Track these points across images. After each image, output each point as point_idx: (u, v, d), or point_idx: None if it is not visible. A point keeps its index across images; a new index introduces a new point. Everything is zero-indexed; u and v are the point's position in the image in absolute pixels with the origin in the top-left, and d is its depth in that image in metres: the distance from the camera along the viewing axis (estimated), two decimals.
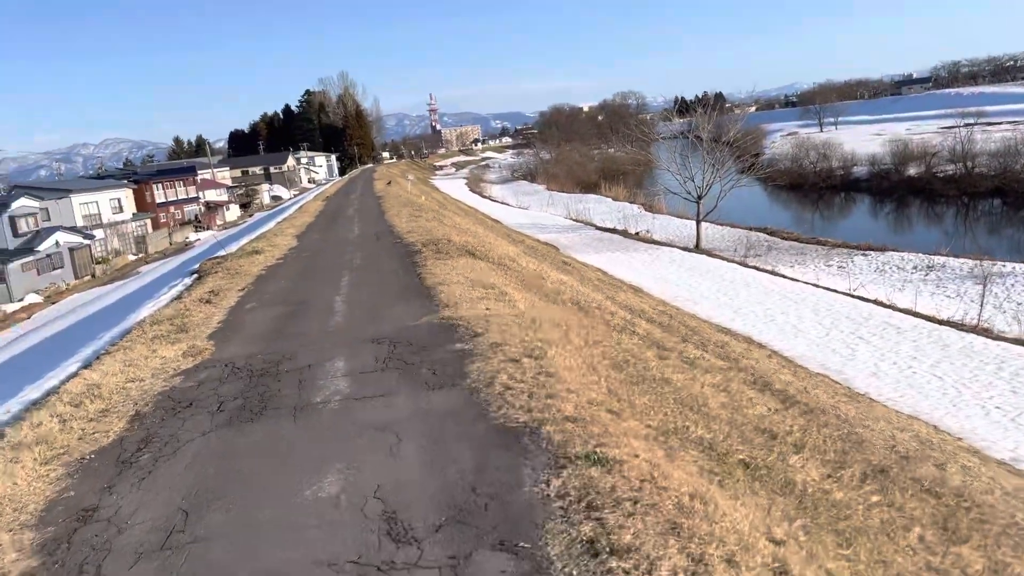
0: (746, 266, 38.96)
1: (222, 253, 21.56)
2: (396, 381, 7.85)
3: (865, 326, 26.12)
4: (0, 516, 5.66)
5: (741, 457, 6.33)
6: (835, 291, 32.27)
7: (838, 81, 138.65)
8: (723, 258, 42.15)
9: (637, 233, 52.93)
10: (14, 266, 48.34)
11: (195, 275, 19.00)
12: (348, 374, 8.35)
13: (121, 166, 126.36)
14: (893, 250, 40.65)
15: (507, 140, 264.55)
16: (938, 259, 37.03)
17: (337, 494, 5.36)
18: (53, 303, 47.90)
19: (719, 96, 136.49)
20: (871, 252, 40.91)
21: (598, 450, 5.43)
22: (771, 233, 49.61)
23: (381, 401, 7.28)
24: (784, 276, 36.02)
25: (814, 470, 6.80)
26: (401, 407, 7.04)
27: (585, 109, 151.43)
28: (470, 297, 11.53)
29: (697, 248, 46.74)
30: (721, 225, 52.86)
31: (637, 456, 5.35)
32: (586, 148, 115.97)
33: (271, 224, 31.88)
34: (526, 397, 6.76)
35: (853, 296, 30.99)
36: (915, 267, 37.12)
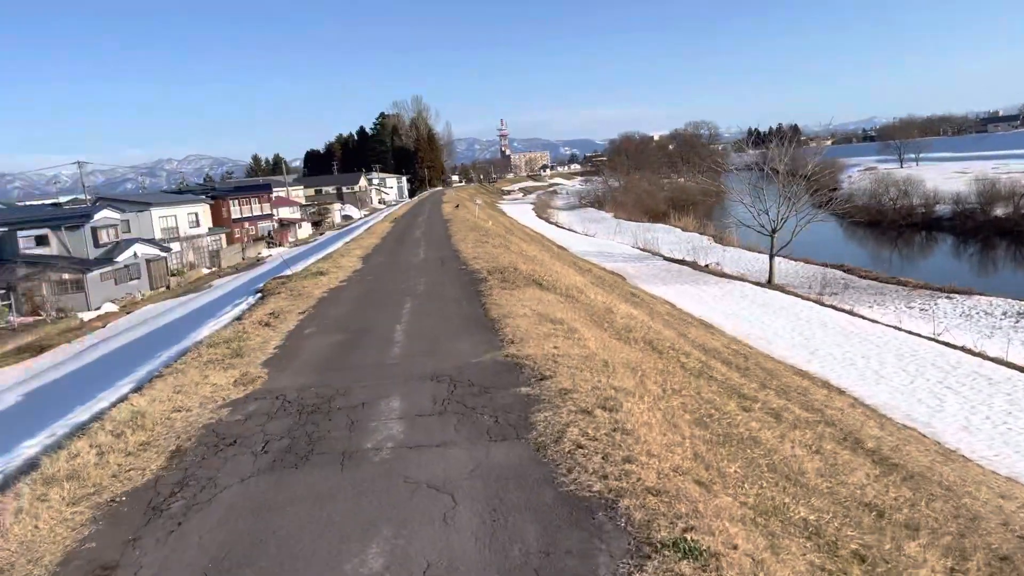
0: (822, 304, 37.29)
1: (288, 272, 21.29)
2: (454, 428, 7.09)
3: (953, 375, 24.42)
4: (13, 569, 5.07)
5: (853, 547, 5.35)
6: (918, 335, 30.49)
7: (920, 116, 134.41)
8: (798, 295, 40.49)
9: (707, 265, 51.54)
10: (93, 276, 49.59)
11: (259, 294, 18.71)
12: (403, 416, 7.62)
13: (201, 181, 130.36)
14: (980, 294, 38.40)
15: (575, 167, 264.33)
16: None
17: (381, 572, 4.60)
18: (128, 313, 48.91)
19: (795, 129, 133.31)
20: (956, 295, 38.73)
21: (688, 536, 4.55)
22: (848, 271, 47.61)
23: (437, 452, 6.51)
24: (863, 317, 34.29)
25: (936, 561, 5.78)
26: (459, 461, 6.26)
27: (656, 138, 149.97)
28: (537, 333, 10.74)
29: (770, 283, 45.13)
30: (795, 260, 51.05)
31: (736, 547, 4.46)
32: (655, 177, 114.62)
33: (339, 244, 31.77)
34: (600, 459, 5.91)
35: (938, 342, 29.17)
36: (1004, 313, 34.91)
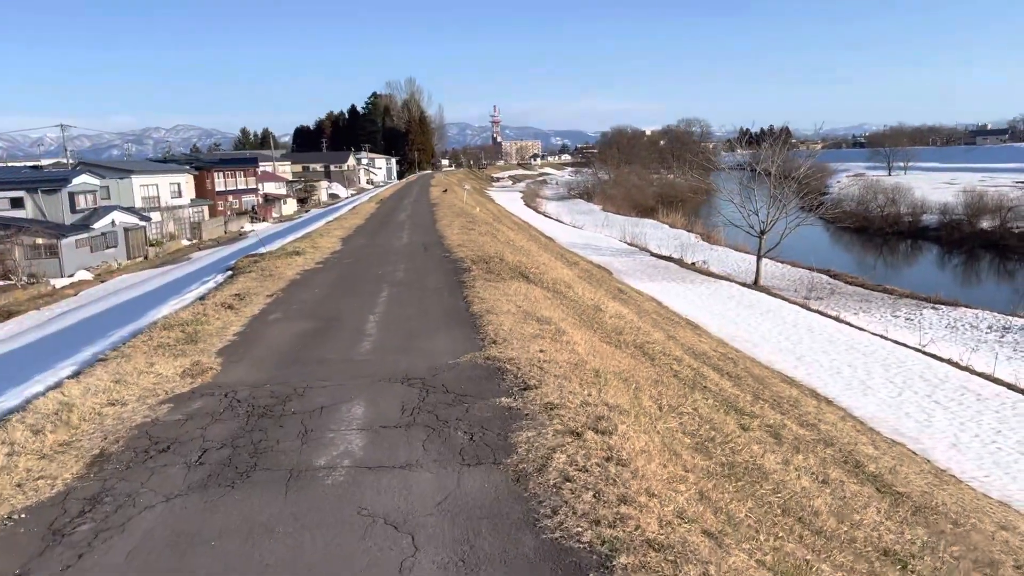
0: (808, 309, 36.62)
1: (263, 251, 20.17)
2: (423, 446, 6.09)
3: (941, 389, 23.76)
4: None
5: None
6: (905, 345, 29.85)
7: (910, 125, 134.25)
8: (784, 298, 39.81)
9: (694, 263, 50.77)
10: (68, 242, 48.06)
11: (230, 272, 17.61)
12: (365, 427, 6.60)
13: (188, 151, 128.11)
14: (965, 306, 37.88)
15: (566, 157, 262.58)
16: (1017, 320, 34.29)
17: None
18: (102, 282, 47.48)
19: (785, 131, 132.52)
20: (941, 306, 38.18)
21: None
22: (834, 276, 46.99)
23: (400, 476, 5.51)
24: (850, 324, 33.60)
25: None
26: (424, 490, 5.27)
27: (648, 133, 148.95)
28: (522, 333, 9.75)
29: (756, 285, 44.45)
30: (782, 263, 50.38)
31: None
32: (645, 172, 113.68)
33: (320, 223, 30.60)
34: (591, 497, 4.95)
35: (925, 353, 28.53)
36: (990, 327, 34.36)
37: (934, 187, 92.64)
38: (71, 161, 73.00)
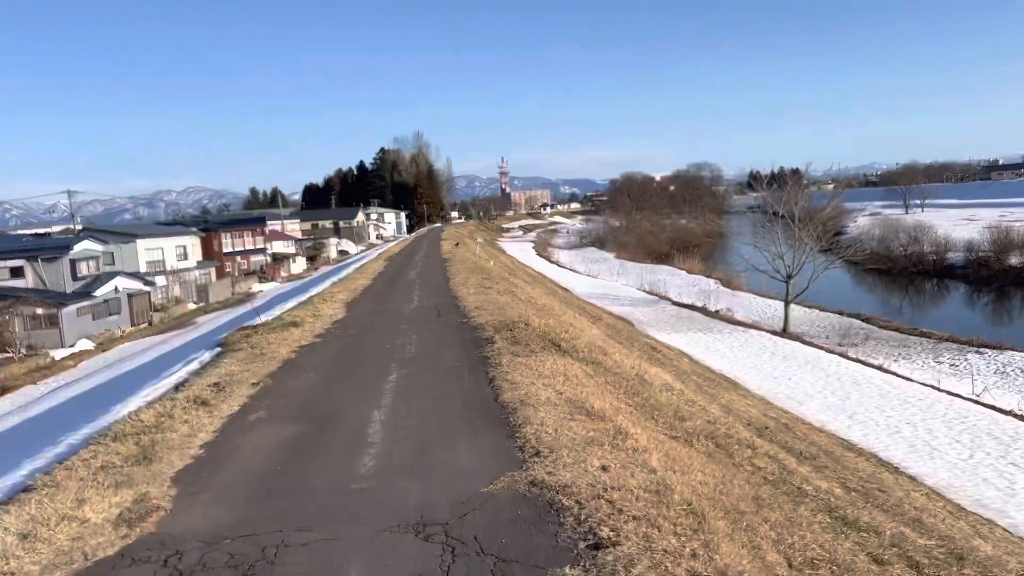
0: (847, 358, 34.04)
1: (258, 321, 17.91)
2: None
3: (1016, 448, 21.14)
4: None
5: None
6: (960, 396, 27.23)
7: (922, 163, 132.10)
8: (818, 346, 37.29)
9: (717, 311, 48.37)
10: (69, 310, 46.12)
11: (218, 348, 15.34)
12: None
13: (198, 213, 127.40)
14: (1012, 349, 35.26)
15: (575, 205, 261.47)
16: None
17: None
18: (104, 351, 45.42)
19: (796, 172, 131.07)
20: (986, 350, 35.56)
21: None
22: (866, 320, 44.44)
23: None
24: (895, 374, 31.00)
25: None
26: None
27: (658, 178, 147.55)
28: (572, 437, 7.38)
29: (785, 332, 42.00)
30: (808, 307, 47.90)
31: None
32: (657, 217, 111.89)
33: (326, 284, 28.41)
34: None
35: (983, 405, 25.91)
36: None
37: (954, 224, 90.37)
38: (80, 226, 71.76)
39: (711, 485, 6.97)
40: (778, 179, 70.98)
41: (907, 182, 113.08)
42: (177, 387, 12.20)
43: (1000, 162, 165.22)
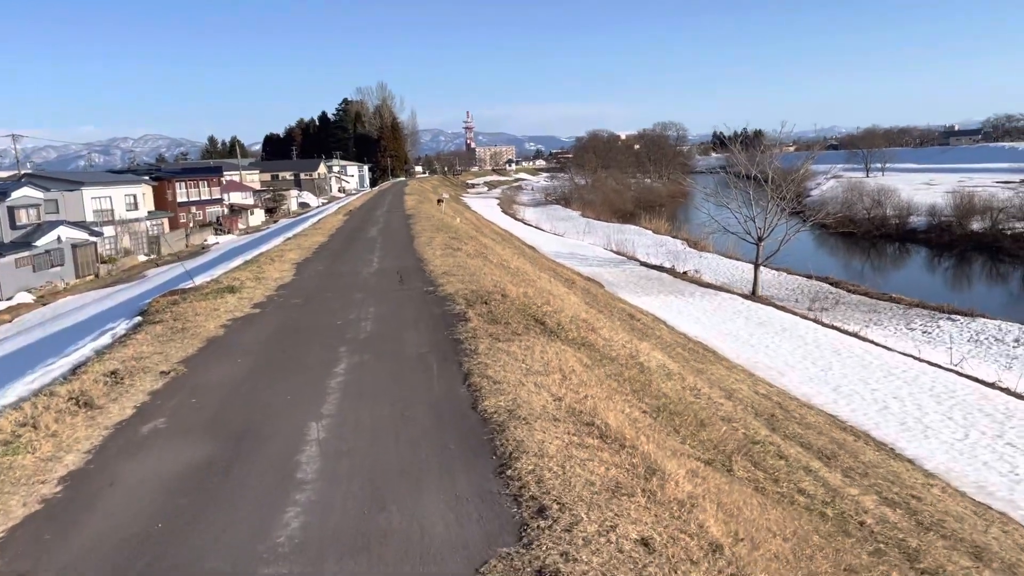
0: (821, 324, 32.40)
1: (191, 284, 15.16)
2: None
3: (1011, 427, 19.59)
4: None
5: None
6: (939, 366, 25.74)
7: (882, 127, 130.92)
8: (792, 311, 35.61)
9: (685, 273, 46.52)
10: (6, 261, 42.43)
11: (138, 319, 12.66)
12: None
13: (154, 161, 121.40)
14: (983, 316, 34.02)
15: (540, 163, 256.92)
16: None
17: None
18: (45, 304, 42.00)
19: (758, 133, 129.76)
20: (957, 316, 34.25)
21: None
22: (835, 284, 43.00)
23: None
24: (873, 342, 29.41)
25: None
26: None
27: (623, 137, 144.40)
28: (587, 480, 5.04)
29: (754, 295, 40.33)
30: (776, 270, 46.32)
31: None
32: (623, 176, 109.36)
33: (277, 240, 25.55)
34: None
35: (967, 377, 24.43)
36: (1017, 340, 30.49)
37: (915, 188, 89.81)
38: (28, 172, 66.82)
39: (789, 555, 4.70)
40: (745, 140, 68.90)
41: (868, 146, 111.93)
42: (75, 369, 9.60)
43: (956, 128, 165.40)
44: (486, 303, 11.91)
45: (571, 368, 8.23)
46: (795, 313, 35.67)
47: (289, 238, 25.60)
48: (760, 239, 43.73)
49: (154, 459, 6.01)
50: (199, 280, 16.18)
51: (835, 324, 33.09)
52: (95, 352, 10.81)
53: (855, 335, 30.95)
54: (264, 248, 22.70)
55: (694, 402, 9.68)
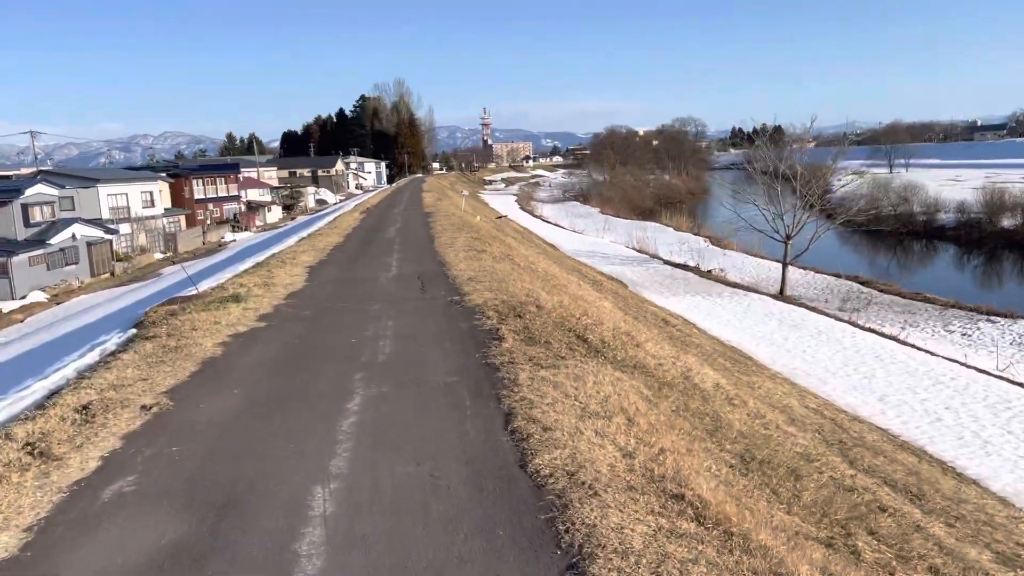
0: (858, 327, 30.61)
1: (195, 291, 13.73)
2: None
3: None
4: None
5: None
6: (988, 373, 23.99)
7: (905, 122, 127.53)
8: (826, 313, 33.87)
9: (710, 271, 44.80)
10: (20, 259, 41.35)
11: (132, 331, 11.24)
12: None
13: (173, 158, 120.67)
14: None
15: (557, 159, 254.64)
16: None
17: None
18: (59, 303, 40.92)
19: (778, 129, 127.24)
20: (997, 318, 32.35)
21: None
22: (864, 283, 41.05)
23: None
24: (916, 347, 27.62)
25: None
26: None
27: (641, 133, 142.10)
28: None
29: (782, 295, 38.61)
30: (803, 269, 44.43)
31: None
32: (641, 172, 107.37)
33: (291, 240, 24.14)
34: None
35: (1021, 385, 22.67)
36: None
37: (940, 184, 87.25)
38: (49, 168, 66.05)
39: None
40: (769, 135, 66.95)
41: (891, 141, 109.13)
42: (49, 396, 8.19)
43: (978, 123, 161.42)
44: (520, 316, 10.39)
45: (634, 406, 6.68)
46: (827, 314, 33.97)
47: (303, 238, 24.17)
48: (788, 237, 42.03)
49: (110, 542, 4.53)
50: (205, 285, 14.77)
51: (872, 327, 31.32)
52: (77, 373, 9.40)
53: (895, 338, 29.20)
54: (277, 249, 21.31)
55: (770, 437, 8.14)
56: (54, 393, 8.42)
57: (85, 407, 7.08)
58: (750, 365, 21.40)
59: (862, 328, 30.62)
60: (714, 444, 6.61)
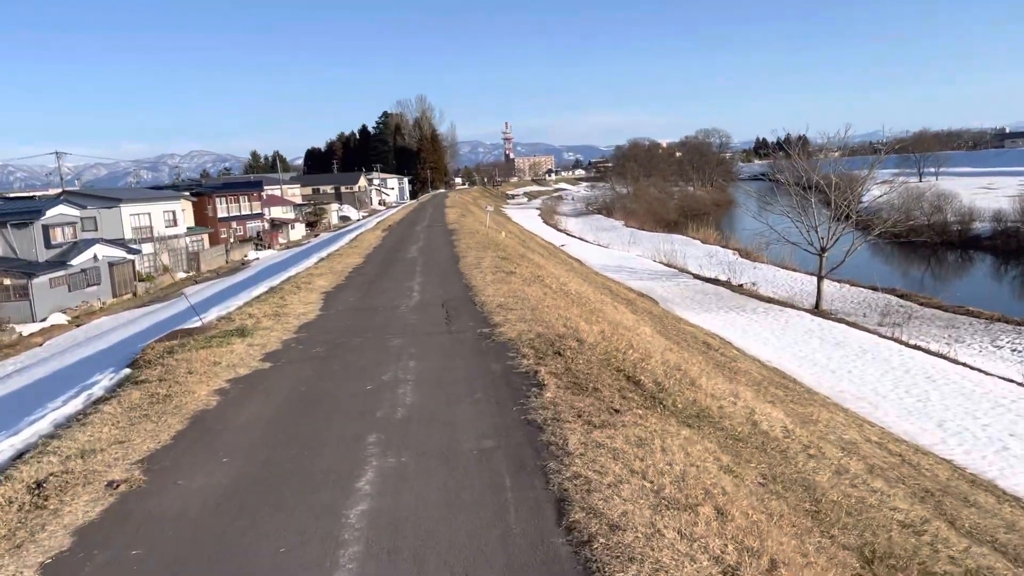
0: (903, 343, 28.76)
1: (199, 323, 12.44)
2: None
3: None
4: None
5: None
6: None
7: (932, 130, 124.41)
8: (864, 328, 32.03)
9: (741, 286, 43.10)
10: (40, 281, 40.63)
11: (126, 371, 9.95)
12: None
13: (198, 177, 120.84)
14: None
15: (580, 172, 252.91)
16: None
17: None
18: (79, 325, 40.09)
19: (803, 139, 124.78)
20: None
21: None
22: (903, 296, 39.03)
23: None
24: (969, 366, 25.76)
25: None
26: None
27: (664, 144, 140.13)
28: None
29: (817, 309, 36.84)
30: (838, 282, 42.48)
31: None
32: (665, 184, 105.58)
33: (311, 261, 22.89)
34: None
35: None
36: None
37: (973, 193, 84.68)
38: (74, 189, 65.76)
39: None
40: (794, 145, 65.21)
41: (920, 149, 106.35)
42: (16, 459, 6.88)
43: (1007, 130, 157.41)
44: (559, 353, 8.95)
45: (718, 485, 5.20)
46: (868, 330, 32.16)
47: (322, 258, 22.88)
48: (823, 249, 40.32)
49: None
50: (215, 313, 13.49)
51: (918, 343, 29.46)
52: (52, 427, 8.10)
53: (944, 356, 27.35)
54: (294, 271, 20.04)
55: (865, 503, 6.64)
56: (19, 456, 7.11)
57: (40, 484, 5.72)
58: (799, 391, 19.76)
59: (908, 346, 28.81)
60: (823, 535, 5.12)
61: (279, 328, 11.39)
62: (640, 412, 6.90)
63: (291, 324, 11.73)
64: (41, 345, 35.86)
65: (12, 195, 69.99)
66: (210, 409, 7.52)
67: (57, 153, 66.59)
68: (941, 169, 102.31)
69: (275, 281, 17.76)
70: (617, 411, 6.81)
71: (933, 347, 28.73)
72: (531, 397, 7.25)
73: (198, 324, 12.21)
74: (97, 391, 9.58)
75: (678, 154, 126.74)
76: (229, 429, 6.87)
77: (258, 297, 14.74)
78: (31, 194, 74.16)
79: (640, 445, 5.84)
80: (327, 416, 7.10)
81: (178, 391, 8.17)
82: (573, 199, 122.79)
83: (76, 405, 9.12)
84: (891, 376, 24.16)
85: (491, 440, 6.23)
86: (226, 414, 7.32)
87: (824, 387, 22.12)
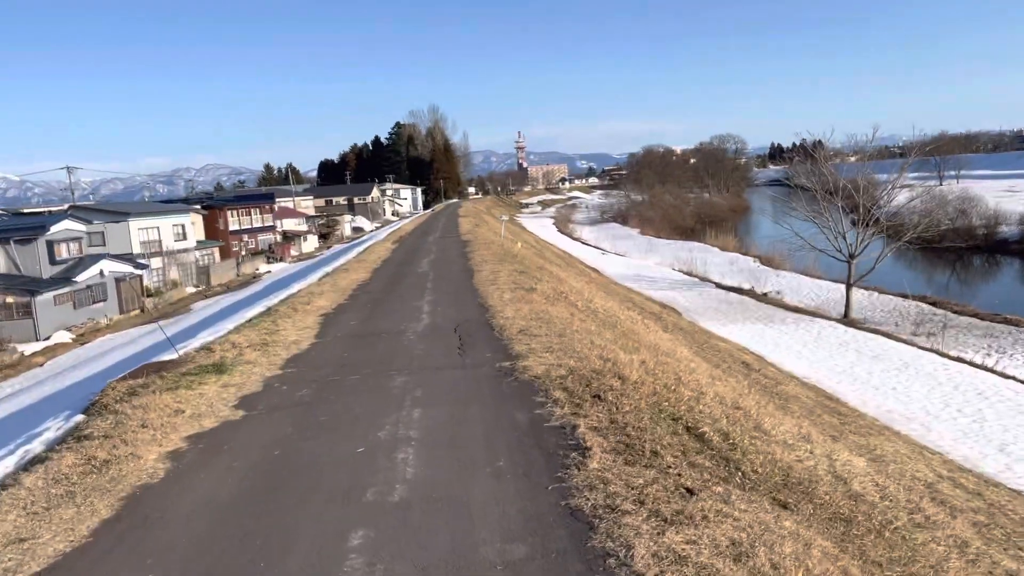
0: (946, 356, 26.71)
1: (175, 355, 10.67)
2: None
3: None
4: None
5: None
6: None
7: (951, 132, 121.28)
8: (902, 339, 30.03)
9: (766, 294, 41.12)
10: (44, 299, 39.18)
11: (80, 417, 8.21)
12: None
13: (212, 190, 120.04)
14: None
15: (593, 180, 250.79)
16: None
17: None
18: (83, 344, 38.57)
19: (819, 144, 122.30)
20: None
21: None
22: (935, 304, 36.90)
23: None
24: (1020, 380, 23.72)
25: None
26: None
27: (678, 151, 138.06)
28: None
29: (847, 318, 34.86)
30: (867, 290, 40.38)
31: None
32: (680, 191, 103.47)
33: (315, 276, 21.16)
34: None
35: None
36: None
37: (996, 196, 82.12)
38: (88, 204, 64.69)
39: None
40: (807, 151, 63.21)
41: (939, 152, 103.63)
42: None
43: (1023, 133, 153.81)
44: (599, 397, 7.11)
45: None
46: (904, 340, 30.15)
47: (327, 274, 21.13)
48: (852, 256, 38.41)
49: None
50: (200, 340, 11.75)
51: (961, 356, 27.40)
52: None
53: (991, 370, 25.33)
54: (296, 287, 18.31)
55: None
56: None
57: None
58: (850, 415, 17.79)
59: (950, 358, 26.77)
60: None
61: (264, 362, 9.59)
62: (720, 490, 5.05)
63: (278, 357, 9.93)
64: (42, 365, 34.33)
65: (27, 211, 68.95)
66: (153, 484, 5.71)
67: (68, 168, 65.62)
68: (962, 172, 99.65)
69: (272, 301, 16.00)
70: (691, 491, 4.96)
71: (977, 359, 26.70)
72: (571, 467, 5.40)
73: (174, 357, 10.44)
74: (36, 446, 7.81)
75: (692, 161, 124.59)
76: (169, 519, 5.05)
77: (249, 321, 12.95)
78: (44, 210, 73.16)
79: (739, 558, 3.98)
80: (301, 499, 5.26)
81: (121, 454, 6.37)
82: (587, 207, 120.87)
83: (6, 467, 7.35)
84: (939, 392, 22.24)
85: (522, 544, 4.37)
86: (171, 493, 5.51)
87: (871, 407, 20.21)
